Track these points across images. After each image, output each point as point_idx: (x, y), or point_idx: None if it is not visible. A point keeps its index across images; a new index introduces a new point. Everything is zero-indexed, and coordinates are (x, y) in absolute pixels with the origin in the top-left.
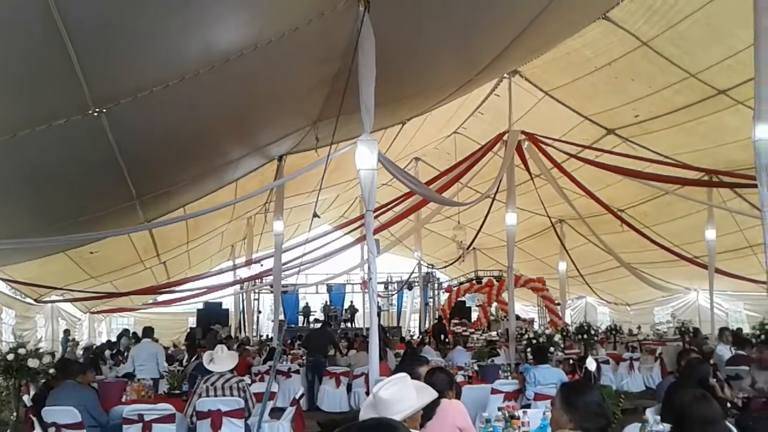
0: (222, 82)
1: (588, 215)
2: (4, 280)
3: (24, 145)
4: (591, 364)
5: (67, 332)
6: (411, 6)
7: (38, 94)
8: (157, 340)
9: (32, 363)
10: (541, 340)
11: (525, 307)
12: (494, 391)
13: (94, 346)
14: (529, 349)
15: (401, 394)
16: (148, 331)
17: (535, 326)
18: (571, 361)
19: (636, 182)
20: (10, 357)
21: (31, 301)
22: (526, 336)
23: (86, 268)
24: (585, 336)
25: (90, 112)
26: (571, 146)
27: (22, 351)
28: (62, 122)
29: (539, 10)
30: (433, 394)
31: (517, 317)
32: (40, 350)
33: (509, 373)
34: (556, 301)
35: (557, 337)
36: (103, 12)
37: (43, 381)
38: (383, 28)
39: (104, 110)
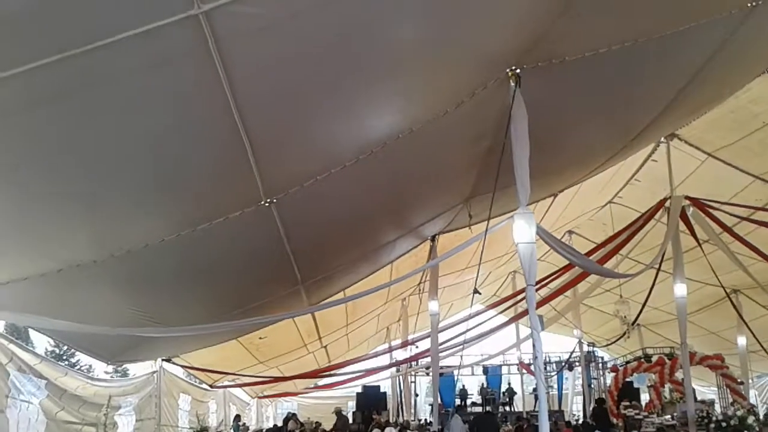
0: (378, 167)
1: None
2: (182, 366)
3: (203, 238)
4: None
5: (237, 417)
6: (561, 78)
7: (217, 190)
8: None
9: None
10: (732, 422)
11: (702, 387)
12: None
13: (263, 430)
14: None
15: None
16: None
17: (716, 408)
18: None
19: None
20: None
21: (207, 387)
22: (713, 419)
23: (255, 353)
24: None
25: (262, 203)
26: (742, 209)
27: None
28: (237, 214)
29: (695, 72)
30: None
31: (695, 399)
32: (221, 431)
33: None
34: (739, 380)
35: (751, 419)
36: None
37: None
38: (534, 101)
39: (274, 200)
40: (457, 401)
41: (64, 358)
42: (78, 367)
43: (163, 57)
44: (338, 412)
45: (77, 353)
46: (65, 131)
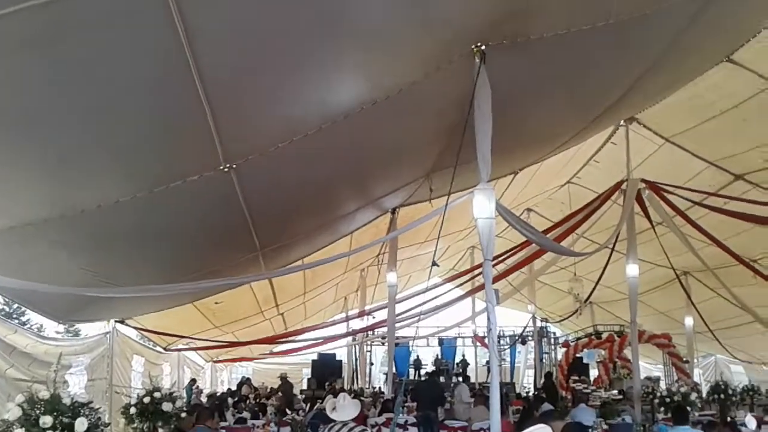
0: (341, 138)
1: (716, 266)
2: (136, 328)
3: (159, 200)
4: (751, 422)
5: (192, 381)
6: (526, 56)
7: (175, 153)
8: None
9: (166, 406)
10: (675, 398)
11: (649, 365)
12: None
13: (217, 394)
14: (662, 409)
15: None
16: None
17: (662, 385)
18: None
19: None
20: (147, 400)
21: (160, 349)
22: (658, 395)
23: (211, 318)
24: (721, 396)
25: (221, 168)
26: (696, 193)
27: (157, 395)
28: (195, 178)
29: (654, 59)
30: None
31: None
32: (174, 394)
33: None
34: (684, 359)
35: (693, 396)
36: (235, 69)
37: (174, 425)
38: (497, 79)
39: (234, 166)
40: (411, 371)
41: (14, 316)
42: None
43: (123, 12)
44: (283, 378)
45: (27, 312)
46: (16, 84)
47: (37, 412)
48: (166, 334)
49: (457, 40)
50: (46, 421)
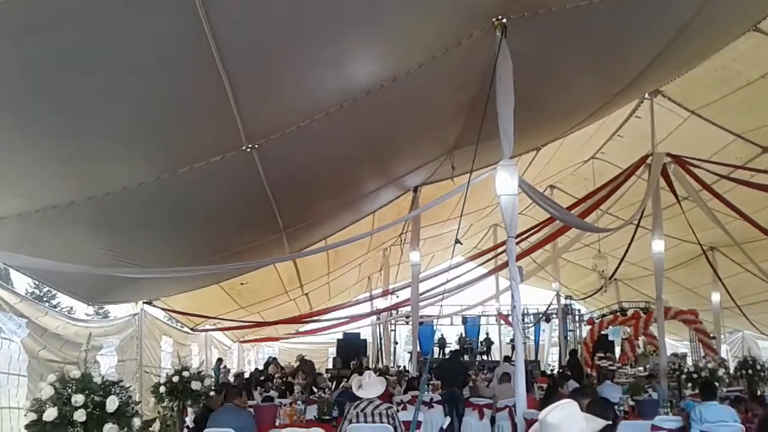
0: (362, 115)
1: (744, 241)
2: (163, 309)
3: (183, 181)
4: None
5: (219, 360)
6: (547, 29)
7: (198, 134)
8: None
9: (195, 385)
10: (702, 374)
11: (675, 341)
12: (654, 428)
13: (245, 373)
14: (689, 385)
15: (571, 421)
16: None
17: (688, 361)
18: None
19: None
20: (176, 379)
21: (188, 330)
22: (685, 371)
23: (237, 299)
24: (749, 371)
25: (243, 148)
26: (722, 167)
27: (185, 374)
28: (218, 158)
29: (680, 29)
30: (601, 423)
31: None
32: (202, 373)
33: (669, 410)
34: (711, 335)
35: (721, 372)
36: (255, 48)
37: (203, 403)
38: (519, 53)
39: (256, 146)
40: (436, 349)
41: (45, 299)
42: (59, 308)
43: None
44: (301, 358)
45: (58, 295)
46: (43, 68)
47: (69, 391)
48: (193, 314)
49: (477, 13)
50: (78, 399)
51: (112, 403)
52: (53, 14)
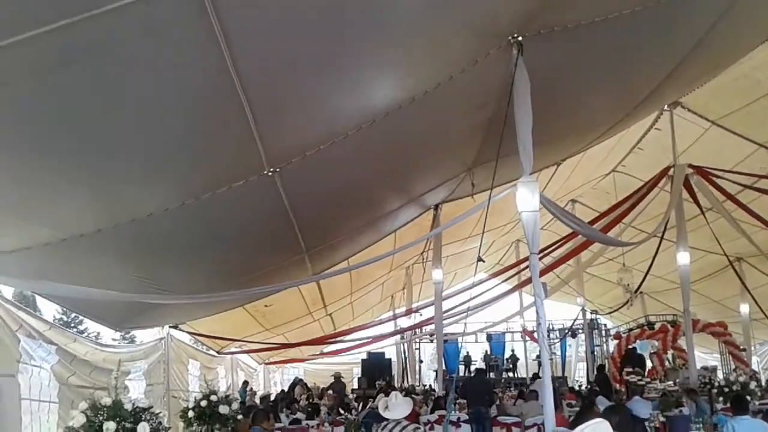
0: (381, 136)
1: None
2: (189, 333)
3: (207, 207)
4: None
5: (245, 383)
6: (564, 45)
7: (220, 159)
8: None
9: (223, 409)
10: (734, 388)
11: (704, 354)
12: None
13: (271, 395)
14: (721, 399)
15: None
16: None
17: (719, 374)
18: None
19: None
20: (204, 404)
21: (214, 353)
22: (716, 384)
23: (262, 321)
24: None
25: (265, 172)
26: (745, 177)
27: (213, 398)
28: (240, 183)
29: (697, 40)
30: None
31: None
32: (229, 397)
33: (701, 425)
34: (741, 347)
35: (753, 385)
36: (275, 72)
37: (231, 427)
38: (536, 69)
39: (277, 170)
40: (461, 367)
41: (72, 325)
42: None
43: (162, 22)
44: (337, 377)
45: (84, 321)
46: (67, 100)
47: (101, 418)
48: (218, 338)
49: (493, 32)
50: (110, 426)
51: (143, 430)
52: (80, 48)
